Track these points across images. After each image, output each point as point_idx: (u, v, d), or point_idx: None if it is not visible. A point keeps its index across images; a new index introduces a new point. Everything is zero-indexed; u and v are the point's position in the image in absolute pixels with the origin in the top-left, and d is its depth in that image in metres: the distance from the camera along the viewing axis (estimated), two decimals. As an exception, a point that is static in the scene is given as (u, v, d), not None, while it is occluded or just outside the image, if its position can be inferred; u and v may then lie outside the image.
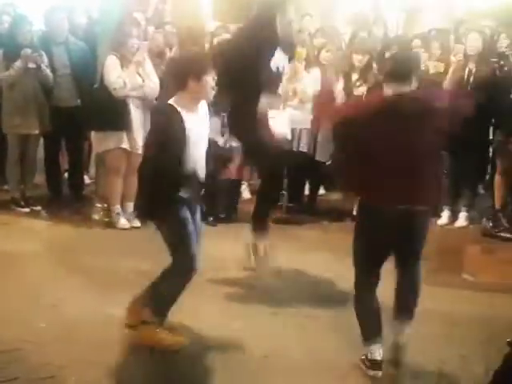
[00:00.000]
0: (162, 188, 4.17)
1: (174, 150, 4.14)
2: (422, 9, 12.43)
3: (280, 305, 5.14)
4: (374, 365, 4.16)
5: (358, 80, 7.13)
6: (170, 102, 4.25)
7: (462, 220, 7.26)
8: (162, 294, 4.45)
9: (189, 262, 4.36)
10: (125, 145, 6.63)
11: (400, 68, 4.09)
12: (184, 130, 4.14)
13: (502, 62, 7.00)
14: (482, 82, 6.92)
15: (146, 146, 4.60)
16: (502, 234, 6.89)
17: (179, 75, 4.29)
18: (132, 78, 6.49)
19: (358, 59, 7.10)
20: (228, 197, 7.26)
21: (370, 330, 4.23)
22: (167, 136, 4.14)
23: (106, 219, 6.92)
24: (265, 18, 5.26)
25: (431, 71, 7.00)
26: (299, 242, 6.62)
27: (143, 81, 6.55)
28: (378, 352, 4.16)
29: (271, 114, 6.86)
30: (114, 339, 4.49)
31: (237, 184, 7.35)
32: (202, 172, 4.34)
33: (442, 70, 6.99)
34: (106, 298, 5.08)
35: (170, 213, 4.28)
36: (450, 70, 6.95)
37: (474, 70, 6.97)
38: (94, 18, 7.77)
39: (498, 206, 7.12)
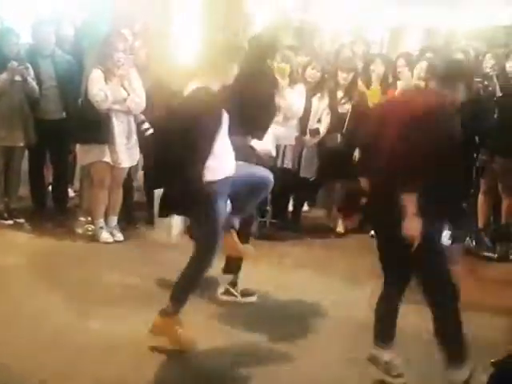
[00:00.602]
0: None
1: None
2: (406, 28, 12.59)
3: (260, 322, 5.14)
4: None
5: (343, 97, 7.18)
6: None
7: (445, 239, 7.27)
8: (188, 277, 4.58)
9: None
10: (107, 158, 6.62)
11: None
12: None
13: (485, 83, 7.07)
14: (467, 102, 6.96)
15: None
16: (485, 254, 6.94)
17: None
18: (115, 92, 6.48)
19: (343, 77, 7.15)
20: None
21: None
22: None
23: (90, 233, 6.90)
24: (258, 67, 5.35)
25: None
26: (283, 258, 6.63)
27: (128, 95, 6.56)
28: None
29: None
30: (96, 353, 4.48)
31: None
32: None
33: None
34: (89, 312, 5.07)
35: None
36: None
37: (458, 90, 7.02)
38: (80, 32, 7.76)
39: (481, 225, 7.17)
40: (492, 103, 6.94)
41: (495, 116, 6.88)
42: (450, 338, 4.18)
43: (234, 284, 5.50)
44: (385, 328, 4.41)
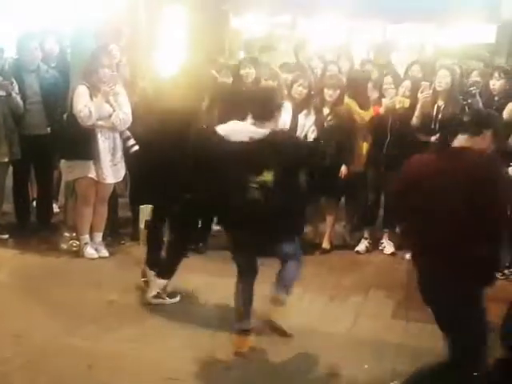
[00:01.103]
0: None
1: None
2: (392, 45, 12.64)
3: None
4: None
5: (329, 114, 7.20)
6: None
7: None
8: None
9: None
10: (92, 174, 6.60)
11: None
12: None
13: (469, 101, 7.10)
14: (450, 119, 7.00)
15: None
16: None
17: None
18: (100, 108, 6.46)
19: (329, 94, 7.17)
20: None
21: None
22: None
23: (75, 249, 6.86)
24: None
25: (397, 106, 7.06)
26: (270, 276, 6.59)
27: (114, 111, 6.54)
28: None
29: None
30: (79, 370, 4.44)
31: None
32: None
33: (407, 105, 7.06)
34: (73, 329, 5.05)
35: None
36: (418, 106, 7.04)
37: (442, 107, 7.06)
38: (66, 47, 7.75)
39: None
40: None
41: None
42: None
43: (164, 288, 5.70)
44: None
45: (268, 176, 4.57)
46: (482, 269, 3.64)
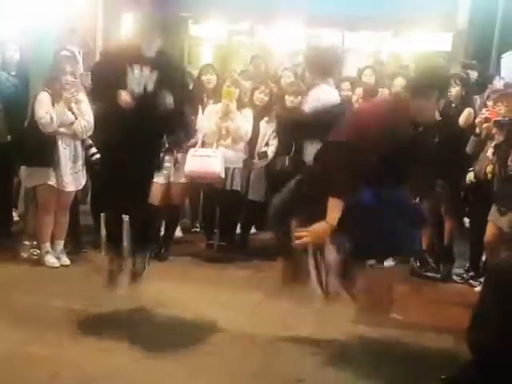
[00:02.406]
0: None
1: None
2: (350, 52, 12.81)
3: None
4: None
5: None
6: None
7: (390, 260, 7.39)
8: None
9: None
10: (51, 181, 6.57)
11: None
12: None
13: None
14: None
15: None
16: (428, 274, 7.05)
17: None
18: (61, 115, 6.44)
19: (290, 100, 7.23)
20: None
21: None
22: None
23: (35, 257, 6.81)
24: None
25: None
26: (230, 280, 6.63)
27: (76, 118, 6.52)
28: None
29: (206, 153, 6.98)
30: (43, 379, 4.42)
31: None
32: None
33: None
34: (35, 337, 5.00)
35: None
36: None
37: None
38: (26, 54, 7.69)
39: (424, 246, 7.30)
40: (432, 127, 7.08)
41: (436, 140, 7.03)
42: None
43: None
44: None
45: None
46: None
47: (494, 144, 6.32)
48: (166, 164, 6.93)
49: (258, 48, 10.56)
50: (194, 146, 7.10)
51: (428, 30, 11.65)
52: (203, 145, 7.14)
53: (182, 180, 7.12)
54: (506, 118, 6.24)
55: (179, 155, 7.05)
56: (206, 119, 7.24)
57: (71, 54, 6.96)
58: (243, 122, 7.20)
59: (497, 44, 10.30)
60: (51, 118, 6.38)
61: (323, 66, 5.37)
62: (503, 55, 8.52)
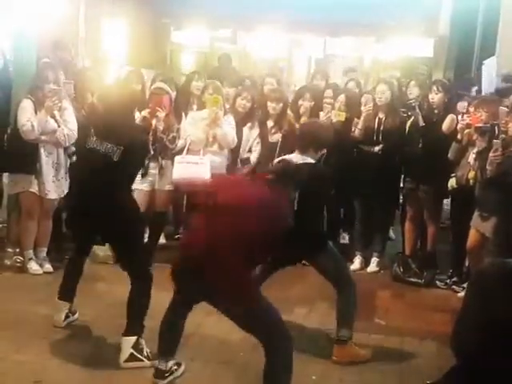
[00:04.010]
0: None
1: None
2: (334, 58, 12.87)
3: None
4: None
5: (273, 127, 7.27)
6: None
7: (373, 265, 7.43)
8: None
9: None
10: (33, 189, 6.56)
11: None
12: None
13: (409, 113, 7.28)
14: (392, 132, 7.18)
15: None
16: (411, 279, 7.08)
17: None
18: (44, 123, 6.42)
19: (272, 106, 7.25)
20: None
21: None
22: None
23: (18, 264, 6.78)
24: None
25: (334, 120, 7.14)
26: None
27: (59, 126, 6.50)
28: None
29: (193, 159, 6.95)
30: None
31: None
32: None
33: (343, 119, 7.15)
34: (19, 345, 4.99)
35: None
36: (361, 119, 7.19)
37: (383, 119, 7.23)
38: (8, 61, 7.66)
39: (407, 251, 7.34)
40: (416, 133, 7.14)
41: (419, 145, 7.08)
42: None
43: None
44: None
45: None
46: None
47: (475, 150, 6.35)
48: (151, 171, 6.93)
49: (239, 54, 10.55)
50: (179, 152, 7.08)
51: (410, 36, 11.70)
52: (188, 151, 7.10)
53: (167, 187, 7.10)
54: (487, 124, 6.27)
55: (163, 162, 7.03)
56: (192, 126, 7.20)
57: (54, 62, 6.91)
58: (229, 128, 7.19)
59: (478, 50, 10.36)
60: (32, 126, 6.36)
61: None
62: (485, 61, 8.57)
